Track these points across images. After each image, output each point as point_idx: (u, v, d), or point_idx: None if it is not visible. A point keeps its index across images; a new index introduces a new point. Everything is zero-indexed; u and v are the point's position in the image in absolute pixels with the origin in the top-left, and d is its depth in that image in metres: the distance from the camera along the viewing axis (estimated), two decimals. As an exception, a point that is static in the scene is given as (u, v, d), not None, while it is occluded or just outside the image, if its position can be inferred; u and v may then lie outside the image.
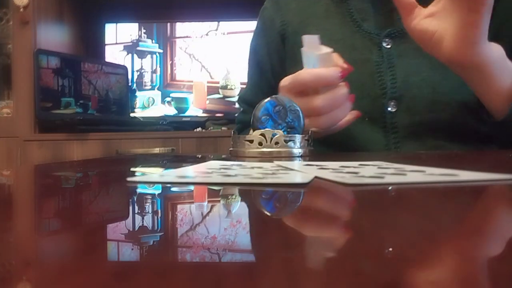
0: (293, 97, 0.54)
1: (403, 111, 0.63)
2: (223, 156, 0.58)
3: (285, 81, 0.56)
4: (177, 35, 1.80)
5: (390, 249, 0.12)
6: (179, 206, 0.19)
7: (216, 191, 0.23)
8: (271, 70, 0.77)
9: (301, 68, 0.70)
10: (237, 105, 1.75)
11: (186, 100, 1.77)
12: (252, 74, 0.81)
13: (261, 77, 0.79)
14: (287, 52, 0.75)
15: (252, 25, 1.82)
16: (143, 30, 1.80)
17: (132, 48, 1.79)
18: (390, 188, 0.22)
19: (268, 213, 0.18)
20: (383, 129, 0.64)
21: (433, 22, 0.52)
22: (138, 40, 1.80)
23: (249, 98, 0.79)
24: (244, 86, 0.88)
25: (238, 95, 0.88)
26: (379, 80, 0.64)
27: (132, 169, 0.43)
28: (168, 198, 0.22)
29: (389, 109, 0.64)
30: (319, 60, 0.53)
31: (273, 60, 0.77)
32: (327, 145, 0.67)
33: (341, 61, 0.54)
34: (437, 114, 0.62)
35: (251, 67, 0.82)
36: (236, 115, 0.85)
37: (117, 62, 1.77)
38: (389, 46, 0.65)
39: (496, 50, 0.52)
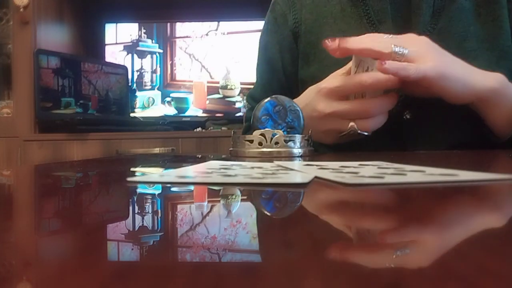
0: (336, 99, 0.54)
1: (420, 118, 0.61)
2: (223, 156, 0.58)
3: (332, 83, 0.55)
4: (177, 35, 1.80)
5: (390, 249, 0.12)
6: (179, 206, 0.19)
7: (216, 191, 0.23)
8: (282, 69, 0.74)
9: (315, 67, 0.68)
10: (237, 105, 1.76)
11: (186, 100, 1.77)
12: (262, 71, 0.78)
13: (272, 75, 0.76)
14: (299, 52, 0.72)
15: (252, 25, 1.83)
16: (143, 30, 1.80)
17: (132, 48, 1.79)
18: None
19: (268, 213, 0.18)
20: (399, 137, 0.62)
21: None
22: (138, 40, 1.80)
23: (259, 97, 0.76)
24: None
25: (247, 93, 0.84)
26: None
27: (132, 169, 0.43)
28: (168, 198, 0.22)
29: (405, 115, 0.62)
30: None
31: (285, 59, 0.74)
32: (337, 150, 0.66)
33: None
34: (452, 116, 0.60)
35: (261, 64, 0.78)
36: (244, 112, 0.82)
37: (117, 62, 1.77)
38: None
39: (490, 82, 0.54)
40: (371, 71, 0.53)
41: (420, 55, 0.52)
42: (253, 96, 0.79)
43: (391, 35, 0.54)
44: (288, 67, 0.74)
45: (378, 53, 0.52)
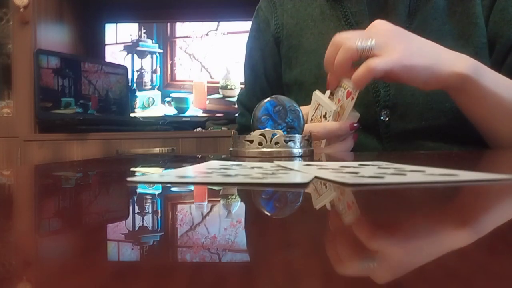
0: None
1: (397, 120, 0.63)
2: (223, 156, 0.58)
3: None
4: (177, 35, 1.80)
5: (390, 249, 0.12)
6: (179, 206, 0.19)
7: (216, 191, 0.23)
8: (264, 74, 0.77)
9: (297, 71, 0.70)
10: (237, 105, 1.76)
11: (186, 100, 1.77)
12: (247, 77, 0.81)
13: (255, 80, 0.78)
14: (282, 56, 0.74)
15: (252, 25, 1.83)
16: (143, 30, 1.80)
17: (132, 48, 1.79)
18: None
19: (268, 213, 0.18)
20: (377, 137, 0.64)
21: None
22: (138, 40, 1.80)
23: (245, 101, 0.80)
24: (244, 86, 0.89)
25: (237, 96, 0.89)
26: (372, 87, 0.63)
27: (132, 169, 0.43)
28: (168, 198, 0.22)
29: (382, 118, 0.63)
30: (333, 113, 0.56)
31: (267, 64, 0.76)
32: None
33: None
34: (431, 121, 0.61)
35: (246, 70, 0.81)
36: (237, 115, 0.85)
37: (117, 62, 1.77)
38: None
39: (459, 67, 0.52)
40: (328, 117, 0.56)
41: (387, 46, 0.51)
42: (241, 101, 0.82)
43: (358, 31, 0.55)
44: (271, 72, 0.76)
45: (346, 61, 0.52)
